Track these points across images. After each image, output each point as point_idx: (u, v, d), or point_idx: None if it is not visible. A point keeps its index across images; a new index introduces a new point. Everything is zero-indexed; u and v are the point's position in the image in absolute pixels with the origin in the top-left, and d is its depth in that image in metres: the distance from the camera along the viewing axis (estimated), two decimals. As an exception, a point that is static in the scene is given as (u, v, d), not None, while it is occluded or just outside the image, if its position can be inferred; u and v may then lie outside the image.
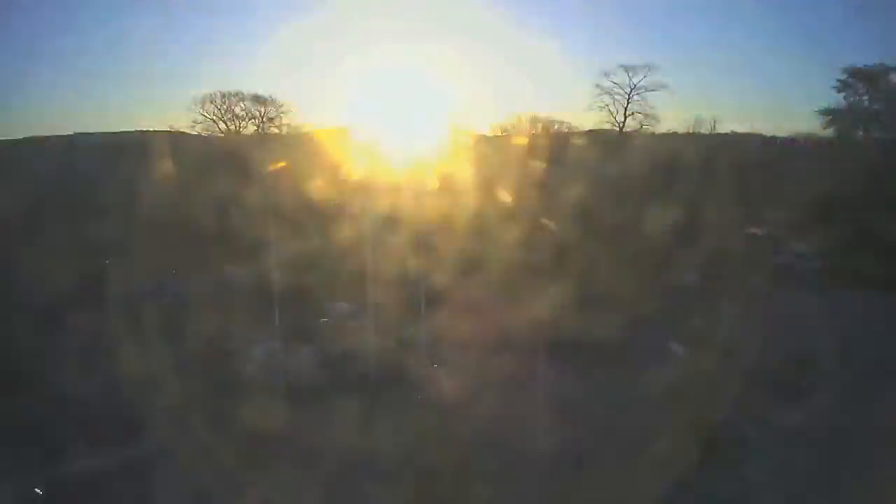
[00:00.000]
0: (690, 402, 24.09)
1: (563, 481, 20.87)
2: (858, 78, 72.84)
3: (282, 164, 48.64)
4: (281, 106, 73.83)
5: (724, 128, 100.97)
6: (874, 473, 20.49)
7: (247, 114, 72.59)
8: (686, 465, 20.30)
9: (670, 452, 20.78)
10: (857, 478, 20.76)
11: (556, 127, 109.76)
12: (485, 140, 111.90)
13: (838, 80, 74.01)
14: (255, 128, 72.92)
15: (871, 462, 21.48)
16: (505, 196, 41.85)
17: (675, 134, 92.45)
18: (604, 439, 23.57)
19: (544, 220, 40.51)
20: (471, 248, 36.59)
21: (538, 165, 48.38)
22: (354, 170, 47.61)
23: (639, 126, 64.80)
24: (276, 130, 72.20)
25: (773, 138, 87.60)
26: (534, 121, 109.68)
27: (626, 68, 62.36)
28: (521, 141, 64.81)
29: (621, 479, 20.27)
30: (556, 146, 56.62)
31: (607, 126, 65.82)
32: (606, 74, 64.43)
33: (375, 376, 29.18)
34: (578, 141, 66.66)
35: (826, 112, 75.46)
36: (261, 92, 73.55)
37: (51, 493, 19.52)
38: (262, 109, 72.82)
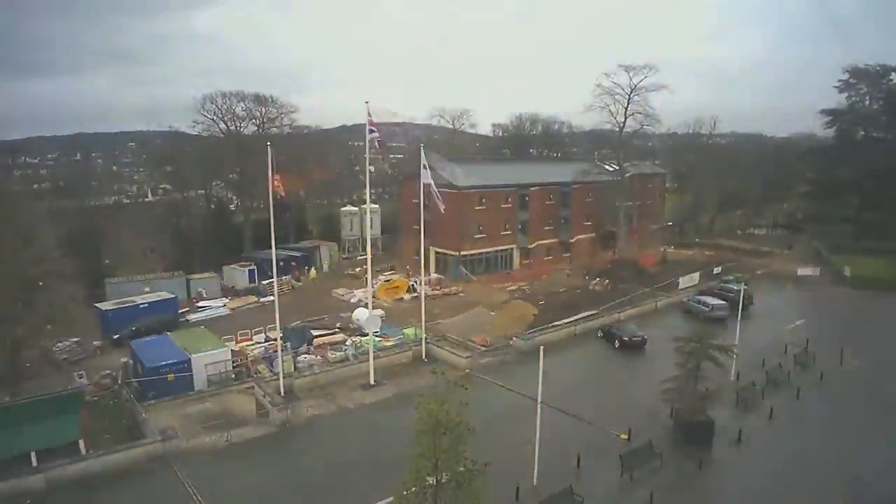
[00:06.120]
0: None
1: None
2: (858, 78, 72.87)
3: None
4: (282, 106, 73.84)
5: (725, 128, 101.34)
6: None
7: (247, 114, 72.45)
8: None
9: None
10: None
11: (556, 127, 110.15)
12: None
13: (838, 80, 74.19)
14: (256, 128, 72.70)
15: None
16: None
17: (675, 134, 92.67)
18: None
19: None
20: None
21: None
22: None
23: (639, 126, 64.35)
24: (277, 131, 72.00)
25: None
26: (534, 121, 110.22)
27: (627, 68, 61.96)
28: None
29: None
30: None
31: (607, 126, 65.40)
32: (607, 75, 64.08)
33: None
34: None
35: (827, 112, 75.55)
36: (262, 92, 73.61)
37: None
38: (263, 110, 72.67)
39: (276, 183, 28.43)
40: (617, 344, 37.11)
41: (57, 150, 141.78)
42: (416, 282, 49.85)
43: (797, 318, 41.50)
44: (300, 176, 73.49)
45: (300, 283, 56.99)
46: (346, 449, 24.47)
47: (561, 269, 61.01)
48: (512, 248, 62.03)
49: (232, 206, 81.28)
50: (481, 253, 59.15)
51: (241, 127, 72.31)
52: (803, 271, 54.98)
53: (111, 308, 43.60)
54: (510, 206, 61.16)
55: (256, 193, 71.22)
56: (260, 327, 40.55)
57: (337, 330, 40.79)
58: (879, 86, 72.07)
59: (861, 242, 64.58)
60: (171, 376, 30.26)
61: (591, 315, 41.98)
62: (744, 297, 39.44)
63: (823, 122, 76.50)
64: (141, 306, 43.83)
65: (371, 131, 29.45)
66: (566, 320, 40.71)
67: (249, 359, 34.56)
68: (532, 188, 62.88)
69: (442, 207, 34.33)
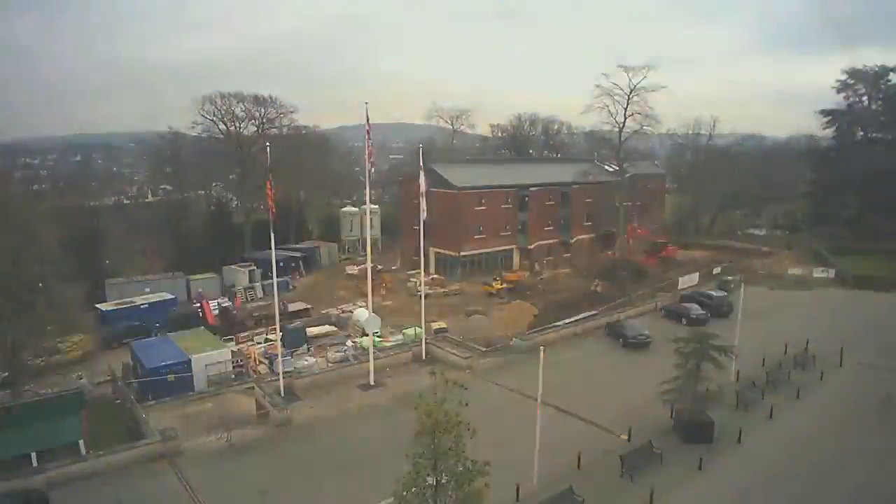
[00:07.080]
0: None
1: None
2: (858, 78, 72.81)
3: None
4: (281, 106, 73.77)
5: (725, 128, 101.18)
6: None
7: (247, 115, 72.41)
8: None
9: None
10: None
11: (555, 127, 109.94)
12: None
13: (838, 80, 74.10)
14: (255, 129, 72.69)
15: None
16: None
17: (674, 134, 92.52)
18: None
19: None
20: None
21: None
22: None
23: (638, 127, 64.25)
24: (276, 131, 71.98)
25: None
26: (533, 121, 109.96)
27: (626, 69, 61.86)
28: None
29: None
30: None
31: (607, 126, 65.33)
32: (606, 75, 64.01)
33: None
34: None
35: (826, 112, 75.43)
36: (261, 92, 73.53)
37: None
38: (262, 110, 72.63)
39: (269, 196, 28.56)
40: (622, 342, 37.44)
41: (57, 151, 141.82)
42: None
43: (796, 318, 41.53)
44: (299, 176, 73.60)
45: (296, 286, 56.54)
46: (345, 449, 24.48)
47: (561, 269, 60.97)
48: (512, 249, 62.04)
49: (232, 207, 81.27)
50: (481, 253, 59.16)
51: (240, 127, 72.35)
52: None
53: (111, 309, 43.65)
54: (510, 206, 61.14)
55: (256, 194, 71.29)
56: (261, 329, 40.58)
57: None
58: (878, 86, 72.05)
59: (861, 242, 64.54)
60: (171, 377, 30.30)
61: (592, 315, 42.05)
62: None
63: (822, 122, 76.61)
64: (141, 307, 43.89)
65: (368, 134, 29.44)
66: (566, 321, 40.73)
67: (249, 359, 34.64)
68: (532, 189, 62.89)
69: (424, 215, 34.40)
